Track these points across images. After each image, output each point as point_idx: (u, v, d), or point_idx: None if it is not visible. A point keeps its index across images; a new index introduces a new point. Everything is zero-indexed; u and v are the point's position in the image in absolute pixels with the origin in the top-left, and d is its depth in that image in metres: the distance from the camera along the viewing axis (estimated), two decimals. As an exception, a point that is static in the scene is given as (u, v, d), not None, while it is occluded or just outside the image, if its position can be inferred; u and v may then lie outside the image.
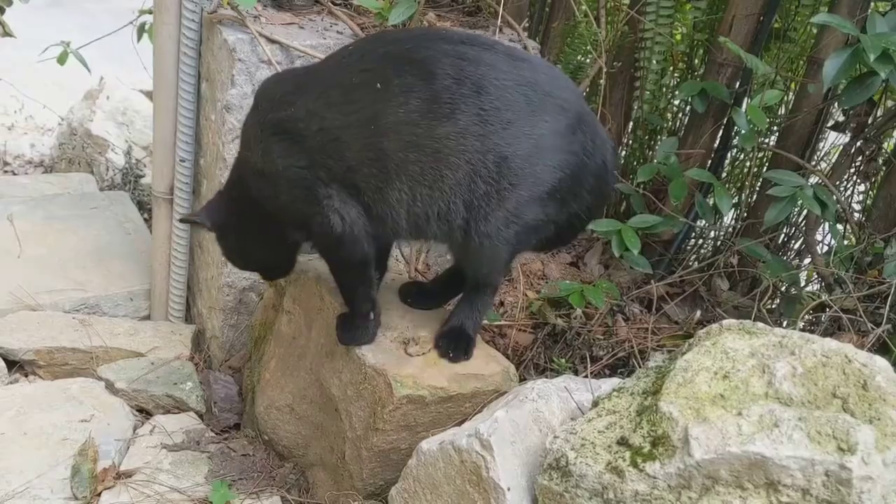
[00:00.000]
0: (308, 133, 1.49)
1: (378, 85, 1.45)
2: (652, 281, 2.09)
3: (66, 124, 3.66)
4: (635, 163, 2.46)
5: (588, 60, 2.32)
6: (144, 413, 2.03)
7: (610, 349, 1.88)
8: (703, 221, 2.25)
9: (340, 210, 1.52)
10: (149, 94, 3.88)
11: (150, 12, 2.47)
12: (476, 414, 1.55)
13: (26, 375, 2.11)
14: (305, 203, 1.54)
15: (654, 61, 2.19)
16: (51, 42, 2.52)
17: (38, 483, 1.71)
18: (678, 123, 2.44)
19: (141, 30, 2.64)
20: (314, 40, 1.97)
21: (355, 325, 1.66)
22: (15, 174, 3.65)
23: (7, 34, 2.18)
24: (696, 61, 2.41)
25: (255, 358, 2.04)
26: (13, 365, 2.10)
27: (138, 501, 1.71)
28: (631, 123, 2.46)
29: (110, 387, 2.02)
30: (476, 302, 1.66)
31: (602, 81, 2.17)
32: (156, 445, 1.88)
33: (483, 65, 1.44)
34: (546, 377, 1.60)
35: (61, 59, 2.52)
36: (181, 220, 1.89)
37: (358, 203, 1.52)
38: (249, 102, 1.91)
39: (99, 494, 1.72)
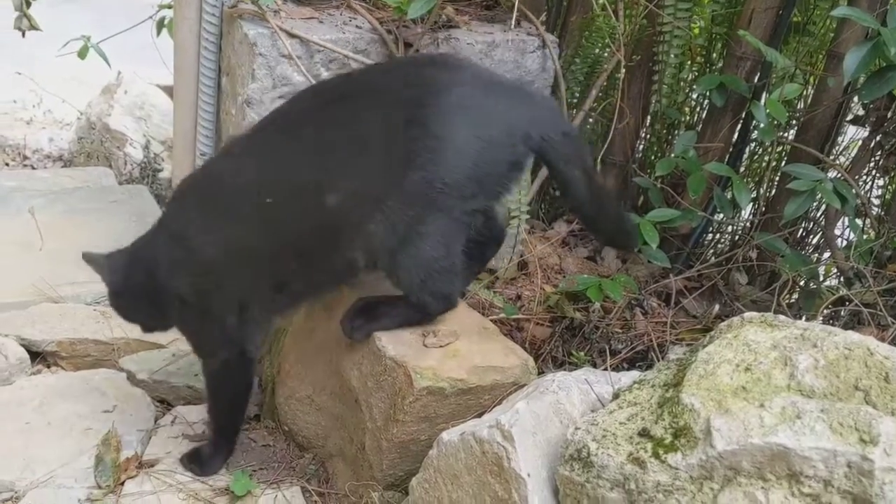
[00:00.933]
0: (245, 269, 1.61)
1: (268, 200, 1.55)
2: (670, 275, 2.09)
3: (84, 119, 3.70)
4: (653, 157, 2.46)
5: (606, 54, 2.32)
6: (165, 404, 2.04)
7: (628, 343, 1.88)
8: (722, 215, 2.24)
9: (252, 344, 1.70)
10: (166, 89, 3.91)
11: (169, 7, 2.49)
12: (495, 406, 1.56)
13: (48, 366, 2.14)
14: (219, 339, 1.69)
15: (673, 55, 2.18)
16: (66, 37, 2.53)
17: (62, 472, 1.74)
18: (696, 117, 2.44)
19: (160, 24, 2.66)
20: (333, 35, 1.98)
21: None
22: (34, 168, 3.69)
23: (34, 27, 2.20)
24: (715, 55, 2.40)
25: (274, 350, 2.05)
26: (36, 356, 2.12)
27: (161, 490, 1.73)
28: (649, 117, 2.45)
29: (132, 378, 2.04)
30: (400, 303, 1.63)
31: (620, 75, 2.17)
32: (177, 436, 1.90)
33: (345, 110, 1.53)
34: (564, 370, 1.61)
35: (82, 54, 2.54)
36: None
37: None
38: (270, 96, 1.94)
39: (122, 483, 1.74)
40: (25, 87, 4.11)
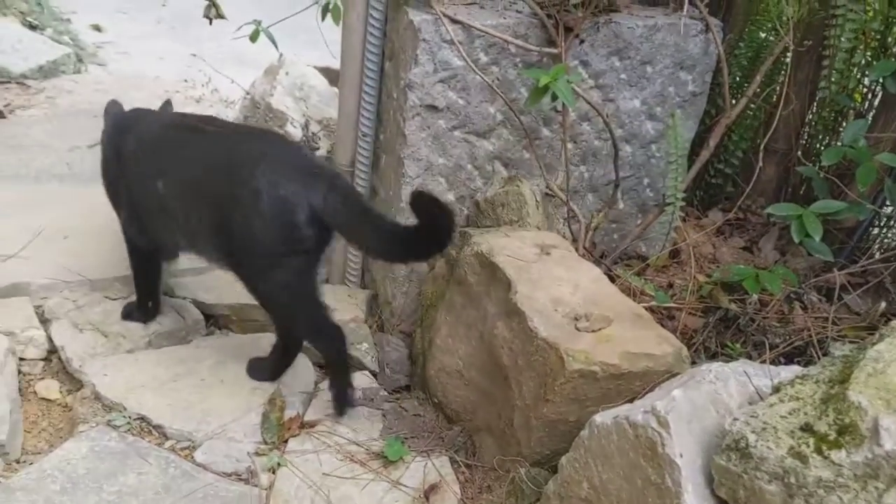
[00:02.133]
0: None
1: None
2: (833, 269, 2.01)
3: (249, 98, 3.92)
4: (819, 145, 2.36)
5: (772, 38, 2.24)
6: (324, 369, 2.17)
7: (786, 337, 1.83)
8: (892, 208, 2.13)
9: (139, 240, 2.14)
10: (322, 71, 4.09)
11: (335, -7, 2.60)
12: (647, 392, 1.57)
13: (220, 328, 2.31)
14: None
15: (845, 39, 2.08)
16: (229, 19, 2.70)
17: (233, 426, 1.89)
18: (868, 105, 2.31)
19: (325, 10, 2.78)
20: (494, 20, 2.02)
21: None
22: (203, 143, 3.94)
23: (220, 16, 2.36)
24: (891, 39, 2.27)
25: (425, 324, 2.13)
26: (208, 318, 2.30)
27: (320, 450, 1.85)
28: (815, 104, 2.35)
29: (294, 343, 2.18)
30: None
31: (787, 60, 2.10)
32: (335, 400, 2.02)
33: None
34: (719, 361, 1.59)
35: (254, 37, 2.68)
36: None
37: None
38: (431, 80, 2.01)
39: (286, 441, 1.88)
40: (195, 67, 4.39)
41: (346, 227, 1.84)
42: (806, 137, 2.40)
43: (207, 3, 2.37)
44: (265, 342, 2.14)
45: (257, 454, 1.84)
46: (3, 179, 2.70)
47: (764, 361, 1.73)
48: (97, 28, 5.19)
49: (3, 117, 3.56)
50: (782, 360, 1.80)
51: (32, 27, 4.65)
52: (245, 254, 1.85)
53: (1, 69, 4.03)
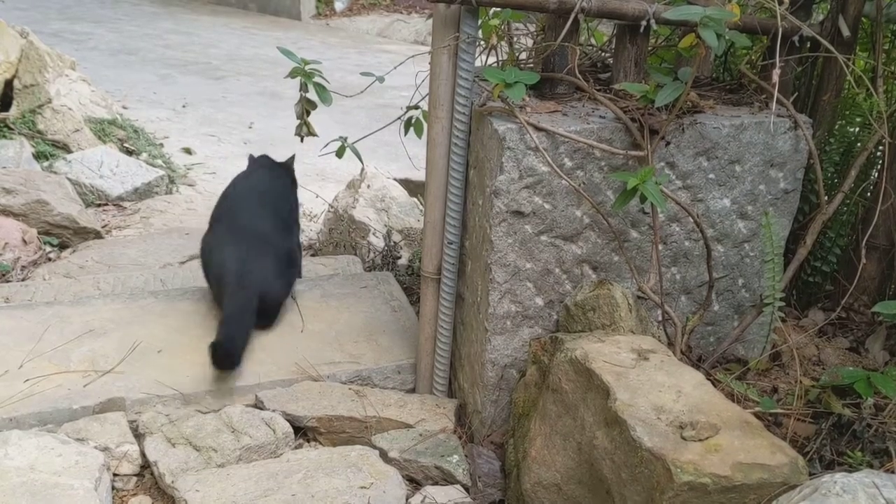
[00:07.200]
0: None
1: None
2: (953, 369, 1.89)
3: (333, 211, 4.03)
4: (923, 239, 2.27)
5: (864, 133, 2.20)
6: (414, 483, 2.11)
7: (910, 443, 1.70)
8: None
9: None
10: (402, 182, 4.19)
11: (416, 108, 2.68)
12: (764, 506, 1.47)
13: (308, 441, 2.29)
14: None
15: (943, 130, 2.02)
16: (319, 136, 2.80)
17: (324, 543, 1.84)
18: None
19: (408, 124, 2.86)
20: (578, 126, 2.03)
21: None
22: (289, 257, 4.04)
23: (311, 133, 2.46)
24: None
25: (518, 434, 2.07)
26: (297, 431, 2.28)
27: (414, 570, 1.78)
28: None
29: (384, 455, 2.14)
30: None
31: (883, 154, 2.04)
32: (427, 516, 1.95)
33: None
34: (842, 472, 1.48)
35: (340, 153, 2.78)
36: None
37: None
38: (516, 187, 2.02)
39: (378, 559, 1.81)
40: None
41: None
42: (908, 231, 2.31)
43: (300, 122, 2.46)
44: (354, 455, 2.11)
45: (350, 573, 1.78)
46: (101, 297, 2.80)
47: (889, 470, 1.61)
48: (188, 151, 5.49)
49: (101, 237, 3.74)
50: (908, 469, 1.67)
51: (129, 152, 4.95)
52: None
53: (100, 192, 4.27)
